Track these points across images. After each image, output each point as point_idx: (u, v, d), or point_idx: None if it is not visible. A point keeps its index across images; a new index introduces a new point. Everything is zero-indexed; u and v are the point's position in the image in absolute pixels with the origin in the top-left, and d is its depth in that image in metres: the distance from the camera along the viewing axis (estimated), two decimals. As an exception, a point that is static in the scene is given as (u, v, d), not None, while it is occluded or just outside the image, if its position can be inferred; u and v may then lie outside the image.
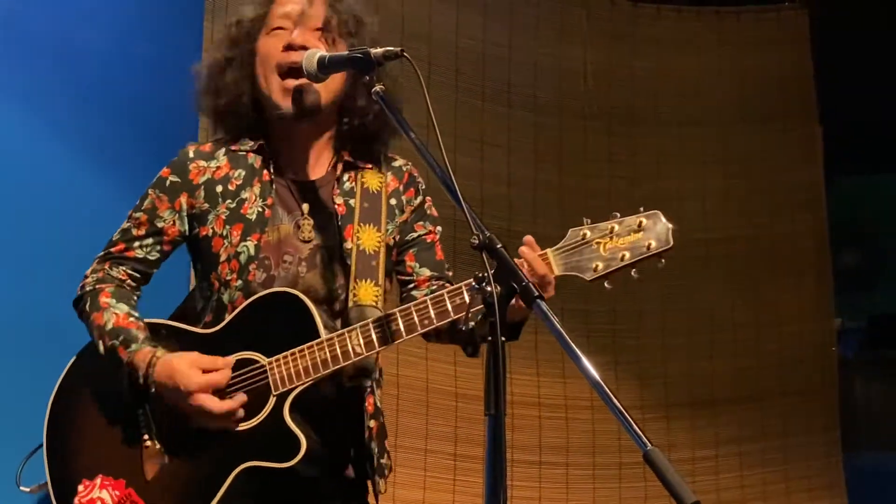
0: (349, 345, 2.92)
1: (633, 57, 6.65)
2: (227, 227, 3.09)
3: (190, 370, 2.94)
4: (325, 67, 2.97)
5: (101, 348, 3.06)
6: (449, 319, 2.91)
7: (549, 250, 2.94)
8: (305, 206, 3.13)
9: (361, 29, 3.22)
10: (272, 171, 3.14)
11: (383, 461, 3.17)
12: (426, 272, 3.25)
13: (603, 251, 2.95)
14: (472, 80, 6.16)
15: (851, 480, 6.66)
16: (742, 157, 6.77)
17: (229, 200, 3.11)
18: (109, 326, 3.05)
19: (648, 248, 2.98)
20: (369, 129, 3.19)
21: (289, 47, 3.07)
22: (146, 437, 3.03)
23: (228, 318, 3.05)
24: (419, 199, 3.27)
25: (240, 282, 3.06)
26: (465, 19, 6.21)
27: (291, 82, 3.06)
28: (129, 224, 3.19)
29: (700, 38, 6.79)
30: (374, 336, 2.93)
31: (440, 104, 5.90)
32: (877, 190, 8.13)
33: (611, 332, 6.30)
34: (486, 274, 2.43)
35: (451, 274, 3.29)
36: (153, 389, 2.97)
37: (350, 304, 3.05)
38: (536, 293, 2.39)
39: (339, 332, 2.95)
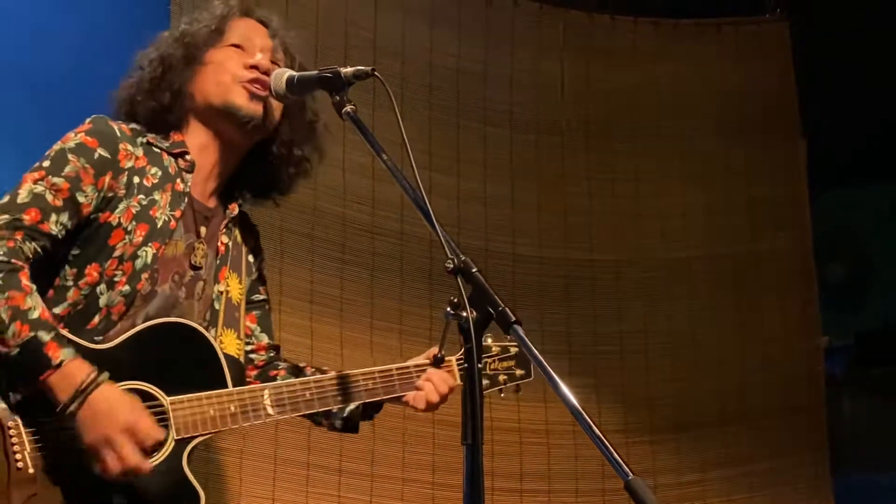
0: (261, 403, 2.88)
1: (612, 71, 6.59)
2: (134, 223, 2.90)
3: (135, 414, 2.69)
4: (294, 87, 2.95)
5: (11, 335, 2.64)
6: (357, 403, 3.11)
7: (453, 358, 3.24)
8: (203, 230, 3.04)
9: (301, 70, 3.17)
10: (186, 183, 3.03)
11: None
12: (265, 339, 3.28)
13: (489, 370, 3.34)
14: (447, 97, 6.08)
15: (841, 502, 6.58)
16: (723, 172, 6.71)
17: (142, 196, 2.94)
18: (35, 315, 2.67)
19: (518, 376, 3.42)
20: (283, 181, 3.22)
21: (255, 67, 3.05)
22: (18, 457, 2.63)
23: (124, 336, 2.82)
24: (262, 262, 3.31)
25: (127, 287, 2.85)
26: (439, 35, 6.13)
27: (256, 90, 3.02)
28: (43, 188, 2.82)
29: (679, 51, 6.74)
30: (286, 400, 2.93)
31: (414, 121, 5.82)
32: (862, 204, 8.09)
33: (592, 354, 6.18)
34: (461, 299, 2.39)
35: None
36: (74, 408, 2.62)
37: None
38: (513, 318, 2.35)
39: (251, 387, 2.91)
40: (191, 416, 2.79)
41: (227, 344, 3.02)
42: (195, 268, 3.00)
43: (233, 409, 2.83)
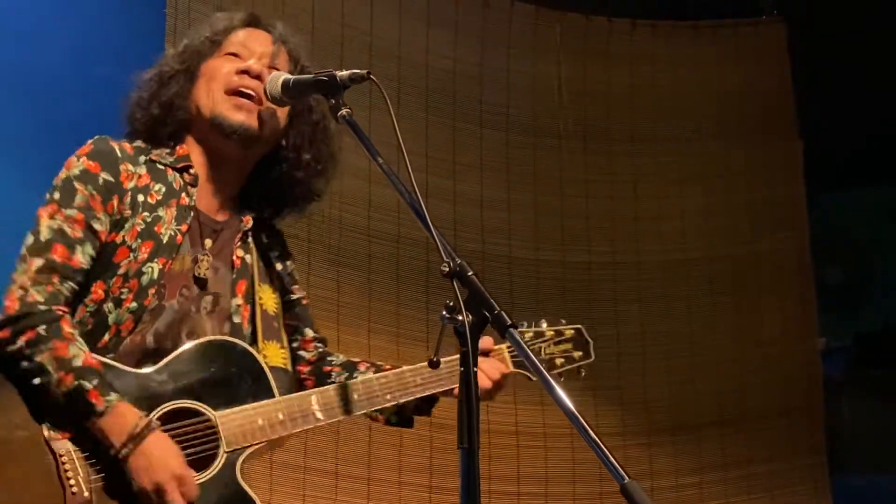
0: (310, 408, 2.88)
1: (609, 73, 6.59)
2: (139, 241, 2.88)
3: (183, 465, 2.74)
4: (290, 90, 2.92)
5: (56, 383, 2.67)
6: (408, 399, 3.01)
7: (503, 346, 3.12)
8: (208, 242, 3.01)
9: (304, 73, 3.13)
10: (193, 195, 3.01)
11: None
12: (310, 333, 3.26)
13: (543, 355, 3.22)
14: (443, 99, 6.08)
15: (840, 504, 6.58)
16: (721, 174, 6.72)
17: (146, 213, 2.92)
18: (79, 363, 2.70)
19: (576, 359, 3.29)
20: (299, 187, 3.17)
21: (245, 72, 3.01)
22: (72, 482, 2.67)
23: (167, 358, 2.85)
24: (292, 262, 3.29)
25: (134, 304, 2.84)
26: (436, 37, 6.13)
27: (243, 101, 2.99)
28: (60, 223, 2.82)
29: (677, 53, 6.74)
30: (336, 404, 2.92)
31: (410, 124, 5.82)
32: (860, 205, 8.08)
33: (589, 356, 6.14)
34: (457, 302, 2.36)
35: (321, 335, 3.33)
36: (126, 453, 2.67)
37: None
38: (509, 322, 2.34)
39: (299, 394, 2.90)
40: (239, 427, 2.82)
41: (272, 356, 3.00)
42: (198, 279, 2.97)
43: (280, 416, 2.84)
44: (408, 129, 5.74)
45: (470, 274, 2.40)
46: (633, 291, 6.33)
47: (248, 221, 3.10)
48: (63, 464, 2.69)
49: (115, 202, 2.87)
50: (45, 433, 2.71)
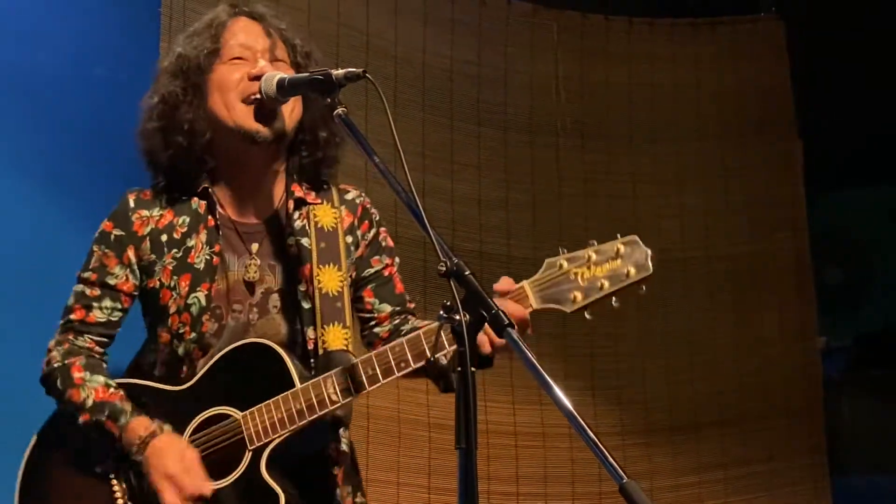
0: (324, 393, 2.86)
1: (607, 72, 6.57)
2: (175, 277, 3.03)
3: (182, 465, 2.91)
4: (285, 90, 2.92)
5: (82, 423, 3.01)
6: (423, 362, 2.88)
7: (525, 283, 2.91)
8: (255, 247, 3.07)
9: (310, 61, 3.17)
10: (217, 216, 3.07)
11: (357, 501, 3.15)
12: (387, 308, 3.21)
13: (581, 281, 2.89)
14: (440, 98, 6.06)
15: (840, 504, 6.58)
16: (720, 174, 6.70)
17: (175, 250, 3.06)
18: (90, 403, 3.00)
19: (628, 275, 2.90)
20: (325, 161, 3.17)
21: (257, 78, 3.00)
22: (120, 500, 2.99)
23: (199, 374, 3.00)
24: (373, 231, 3.23)
25: (194, 334, 3.01)
26: (433, 35, 6.10)
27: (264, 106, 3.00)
28: (81, 287, 3.12)
29: (675, 52, 6.72)
30: (349, 383, 2.87)
31: (407, 122, 5.80)
32: (860, 204, 8.09)
33: (588, 355, 6.18)
34: (455, 302, 2.38)
35: (412, 305, 3.27)
36: (138, 456, 2.94)
37: (320, 350, 3.00)
38: (507, 321, 2.32)
39: (314, 380, 2.89)
40: (261, 423, 2.88)
41: (333, 339, 3.01)
42: (248, 284, 3.04)
43: (298, 406, 2.86)
44: (405, 128, 5.72)
45: (467, 273, 2.40)
46: (630, 291, 6.30)
47: (290, 205, 3.11)
48: (114, 490, 3.01)
49: (131, 252, 3.08)
50: (105, 468, 3.03)
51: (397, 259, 3.26)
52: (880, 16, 6.67)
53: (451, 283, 2.39)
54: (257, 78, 2.98)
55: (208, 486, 2.88)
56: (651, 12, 6.72)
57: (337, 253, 3.10)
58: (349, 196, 3.24)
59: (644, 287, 2.91)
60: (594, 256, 2.90)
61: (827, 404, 6.67)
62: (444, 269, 2.40)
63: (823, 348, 6.80)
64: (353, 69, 2.73)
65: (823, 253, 7.04)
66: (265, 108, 2.99)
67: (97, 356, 3.12)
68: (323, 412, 2.86)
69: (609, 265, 2.89)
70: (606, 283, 2.88)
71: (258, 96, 2.97)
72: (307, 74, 2.86)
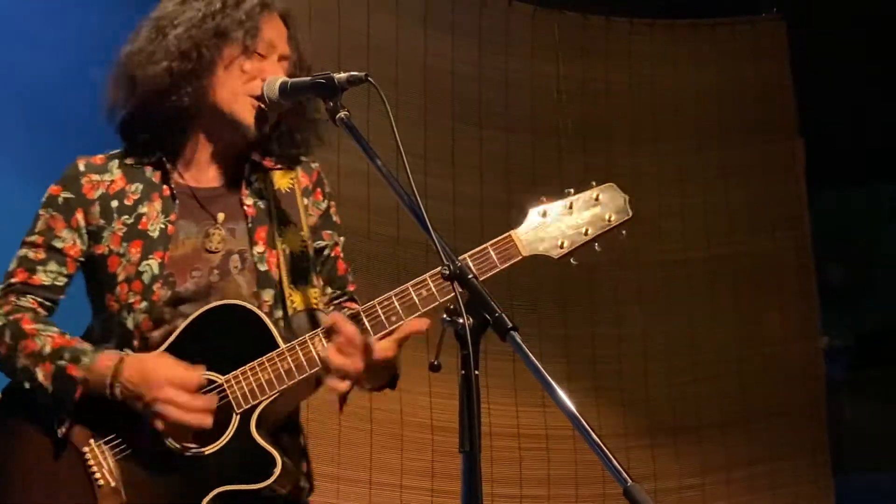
0: (313, 351, 2.80)
1: (608, 72, 6.58)
2: (125, 244, 2.94)
3: (167, 368, 2.78)
4: (287, 94, 2.90)
5: (41, 376, 2.83)
6: (418, 313, 2.81)
7: (512, 232, 2.91)
8: (221, 216, 3.00)
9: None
10: (172, 184, 3.00)
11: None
12: (328, 289, 3.14)
13: (565, 227, 2.94)
14: (442, 100, 6.08)
15: (843, 504, 6.57)
16: (721, 174, 6.72)
17: (126, 216, 2.97)
18: (48, 350, 2.86)
19: (609, 220, 2.94)
20: (297, 138, 3.11)
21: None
22: (97, 475, 2.81)
23: (171, 337, 2.88)
24: (325, 203, 3.17)
25: (144, 303, 2.89)
26: (433, 37, 6.12)
27: (259, 103, 2.96)
28: (25, 250, 3.00)
29: (675, 52, 6.74)
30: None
31: (409, 125, 5.81)
32: (862, 203, 8.07)
33: (591, 357, 6.19)
34: (457, 305, 2.34)
35: (353, 288, 3.19)
36: (118, 391, 2.77)
37: (290, 311, 2.95)
38: (510, 325, 2.30)
39: (300, 339, 2.82)
40: (247, 386, 2.81)
41: (300, 300, 2.97)
42: (215, 251, 2.96)
43: (286, 366, 2.80)
44: (406, 130, 5.71)
45: (470, 276, 2.39)
46: (634, 292, 6.31)
47: (247, 170, 3.06)
48: (87, 460, 2.83)
49: (80, 216, 2.97)
50: (62, 431, 2.84)
51: (342, 238, 3.21)
52: (881, 15, 6.67)
53: (454, 286, 2.38)
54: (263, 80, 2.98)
55: (201, 369, 2.80)
56: (652, 13, 6.73)
57: (297, 214, 3.08)
58: (304, 159, 3.19)
59: (624, 231, 2.94)
60: (575, 204, 2.96)
61: (828, 404, 6.69)
62: (447, 272, 2.39)
63: (826, 348, 6.80)
64: (356, 73, 2.71)
65: (825, 252, 7.03)
66: (263, 111, 2.97)
67: (43, 315, 2.98)
68: (313, 370, 2.80)
69: (590, 212, 2.94)
70: (590, 229, 2.91)
71: (261, 105, 2.95)
72: (309, 78, 2.84)
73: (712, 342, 6.52)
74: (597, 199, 2.96)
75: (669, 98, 6.67)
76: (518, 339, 2.29)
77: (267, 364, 2.81)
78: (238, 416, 2.81)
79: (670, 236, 6.49)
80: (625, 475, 2.10)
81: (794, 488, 6.50)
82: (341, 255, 3.19)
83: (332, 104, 2.71)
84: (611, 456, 2.12)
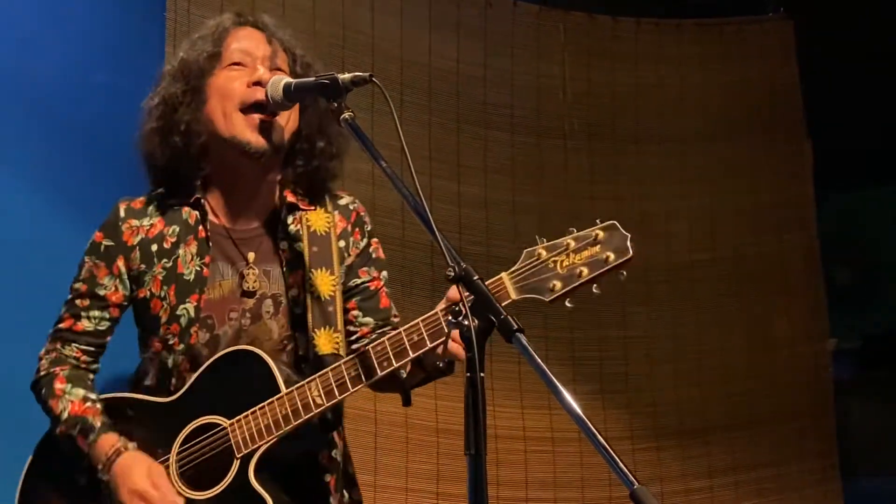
0: (309, 397, 2.85)
1: (614, 72, 6.56)
2: (165, 287, 3.04)
3: (149, 481, 2.91)
4: (291, 94, 2.93)
5: (60, 436, 3.05)
6: (408, 359, 2.82)
7: (503, 274, 2.85)
8: (251, 256, 3.07)
9: (310, 72, 3.13)
10: (208, 226, 3.07)
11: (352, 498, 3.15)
12: (370, 322, 3.19)
13: (560, 269, 2.85)
14: (447, 101, 6.05)
15: (851, 508, 6.56)
16: (728, 175, 6.68)
17: (165, 259, 3.07)
18: (65, 416, 3.04)
19: (607, 261, 2.84)
20: (321, 171, 3.15)
21: (257, 83, 3.00)
22: None
23: (188, 383, 2.99)
24: (364, 241, 3.22)
25: (182, 345, 3.01)
26: (438, 38, 6.09)
27: (257, 116, 2.99)
28: (72, 296, 3.16)
29: (682, 52, 6.71)
30: (333, 384, 2.85)
31: (413, 126, 5.79)
32: (869, 205, 8.05)
33: (597, 360, 6.16)
34: (463, 307, 2.37)
35: (397, 319, 3.21)
36: (105, 477, 2.95)
37: (311, 354, 3.01)
38: (515, 326, 2.31)
39: (298, 384, 2.87)
40: (248, 430, 2.87)
41: (323, 343, 3.02)
42: (248, 294, 3.04)
43: (283, 411, 2.85)
44: (411, 131, 5.70)
45: (475, 278, 2.40)
46: (640, 294, 6.29)
47: (283, 213, 3.10)
48: None
49: (120, 263, 3.11)
50: (91, 482, 3.01)
51: (385, 273, 3.25)
52: (889, 15, 6.64)
53: (460, 287, 2.39)
54: (257, 84, 2.99)
55: (179, 500, 2.89)
56: (658, 13, 6.71)
57: (330, 257, 3.11)
58: (342, 202, 3.23)
59: (624, 272, 2.87)
60: (573, 244, 2.86)
61: (836, 406, 6.67)
62: (452, 274, 2.40)
63: (833, 350, 6.78)
64: (360, 73, 2.72)
65: (833, 253, 7.01)
66: (265, 120, 2.99)
67: (84, 366, 3.16)
68: (308, 416, 2.85)
69: (588, 251, 2.85)
70: (585, 270, 2.82)
71: (261, 117, 2.98)
72: (314, 79, 2.85)
73: (719, 344, 6.49)
74: (596, 238, 2.87)
75: (676, 99, 6.64)
76: (524, 340, 2.31)
77: (267, 409, 2.87)
78: (238, 461, 2.87)
79: (677, 238, 6.46)
80: (631, 478, 2.11)
81: (801, 492, 6.48)
82: (384, 289, 3.23)
83: (336, 105, 2.73)
84: (617, 459, 2.14)
